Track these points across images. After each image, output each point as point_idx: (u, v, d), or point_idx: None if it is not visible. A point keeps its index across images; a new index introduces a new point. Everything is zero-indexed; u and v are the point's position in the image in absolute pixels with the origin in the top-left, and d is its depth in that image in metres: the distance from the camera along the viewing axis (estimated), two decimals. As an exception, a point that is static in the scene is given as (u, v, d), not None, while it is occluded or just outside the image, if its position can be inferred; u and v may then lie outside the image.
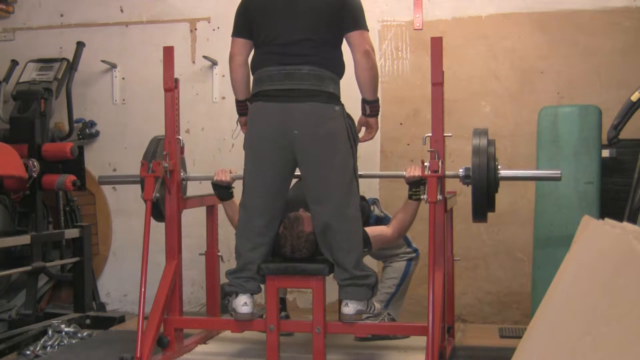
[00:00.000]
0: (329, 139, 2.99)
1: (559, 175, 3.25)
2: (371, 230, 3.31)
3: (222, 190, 3.43)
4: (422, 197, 3.14)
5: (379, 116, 3.24)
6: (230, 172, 3.40)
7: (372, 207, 3.57)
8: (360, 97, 3.15)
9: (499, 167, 3.18)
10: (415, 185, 3.22)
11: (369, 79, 3.04)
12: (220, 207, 3.78)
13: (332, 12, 2.99)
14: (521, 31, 4.45)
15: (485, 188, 3.10)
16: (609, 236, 1.45)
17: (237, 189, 3.45)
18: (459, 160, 4.11)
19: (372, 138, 3.26)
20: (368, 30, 3.05)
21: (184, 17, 4.91)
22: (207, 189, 4.01)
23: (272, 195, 3.07)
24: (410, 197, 3.26)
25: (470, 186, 3.14)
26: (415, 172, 3.19)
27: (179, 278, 3.35)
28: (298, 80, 2.97)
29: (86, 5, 5.05)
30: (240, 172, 3.28)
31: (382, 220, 3.51)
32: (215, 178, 3.41)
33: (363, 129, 3.24)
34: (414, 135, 4.41)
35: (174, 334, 3.26)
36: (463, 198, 4.22)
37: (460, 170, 3.19)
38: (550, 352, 1.45)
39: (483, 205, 3.15)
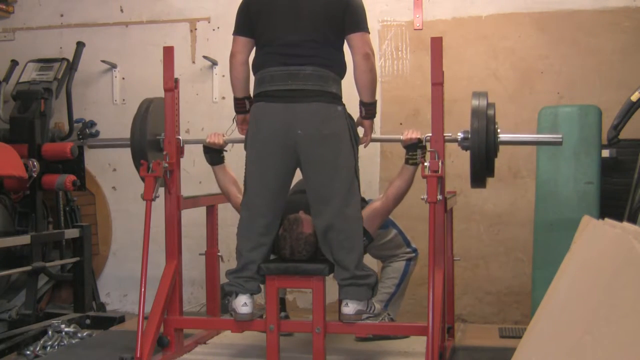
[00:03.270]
0: (332, 139, 2.99)
1: (560, 140, 3.22)
2: (363, 212, 3.28)
3: (214, 154, 3.42)
4: (418, 161, 3.14)
5: (379, 116, 3.24)
6: (223, 136, 3.40)
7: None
8: (360, 98, 3.14)
9: (499, 130, 3.16)
10: (412, 148, 3.22)
11: (368, 82, 3.05)
12: (220, 207, 3.78)
13: (335, 13, 2.99)
14: (521, 31, 4.44)
15: (484, 152, 3.06)
16: (609, 236, 1.45)
17: (228, 153, 3.49)
18: (458, 160, 4.11)
19: (367, 143, 3.24)
20: (369, 33, 3.05)
21: (184, 17, 4.91)
22: (207, 189, 4.02)
23: (274, 195, 3.07)
24: (406, 161, 3.25)
25: (468, 151, 3.11)
26: (412, 134, 3.19)
27: (179, 278, 3.35)
28: (302, 80, 2.97)
29: (86, 5, 5.05)
30: (233, 137, 3.32)
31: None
32: (207, 140, 3.40)
33: (362, 130, 3.24)
34: (414, 135, 4.40)
35: (174, 334, 3.26)
36: (463, 198, 4.23)
37: (459, 133, 3.17)
38: (550, 352, 1.45)
39: (482, 169, 3.11)
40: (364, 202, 3.42)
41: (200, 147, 3.49)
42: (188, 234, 3.76)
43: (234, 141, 3.40)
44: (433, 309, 2.85)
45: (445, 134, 3.11)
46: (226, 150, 3.47)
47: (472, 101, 3.13)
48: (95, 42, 4.94)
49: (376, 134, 3.32)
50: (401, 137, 3.26)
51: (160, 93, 3.38)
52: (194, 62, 4.88)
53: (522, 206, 4.35)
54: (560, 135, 3.23)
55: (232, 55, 3.15)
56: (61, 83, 4.65)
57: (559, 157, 3.67)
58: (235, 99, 3.22)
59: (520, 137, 3.54)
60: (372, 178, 4.54)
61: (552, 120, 3.71)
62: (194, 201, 3.59)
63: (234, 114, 3.32)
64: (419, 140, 3.22)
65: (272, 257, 3.20)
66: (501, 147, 3.22)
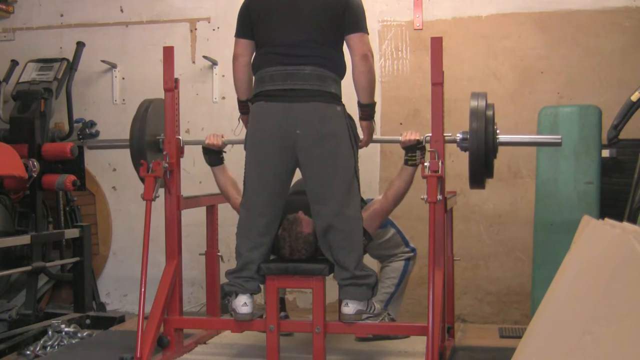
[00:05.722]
0: (331, 139, 2.99)
1: (559, 141, 3.22)
2: (363, 213, 3.27)
3: (213, 155, 3.43)
4: (418, 162, 3.14)
5: (379, 116, 3.24)
6: (222, 137, 3.40)
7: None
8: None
9: (498, 131, 3.15)
10: (411, 150, 3.22)
11: (366, 83, 3.05)
12: (220, 207, 3.78)
13: (335, 13, 2.99)
14: (521, 31, 4.44)
15: (483, 153, 3.06)
16: (609, 236, 1.45)
17: (228, 154, 3.49)
18: (459, 160, 4.10)
19: (367, 144, 3.25)
20: (368, 34, 3.05)
21: (184, 17, 4.91)
22: (207, 189, 4.02)
23: (273, 195, 3.07)
24: (406, 162, 3.26)
25: (467, 152, 3.10)
26: (411, 136, 3.19)
27: (179, 278, 3.35)
28: (300, 80, 2.97)
29: (86, 5, 5.05)
30: (232, 137, 3.34)
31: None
32: (206, 142, 3.40)
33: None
34: (414, 135, 4.40)
35: (174, 334, 3.26)
36: (463, 198, 4.23)
37: (458, 134, 3.18)
38: (550, 352, 1.45)
39: (481, 170, 3.10)
40: (363, 203, 3.42)
41: (200, 147, 3.49)
42: (188, 234, 3.76)
43: (233, 142, 3.40)
44: (433, 309, 2.85)
45: (444, 134, 3.11)
46: (225, 152, 3.47)
47: (470, 102, 3.13)
48: (95, 42, 4.94)
49: (376, 134, 3.31)
50: (400, 138, 3.26)
51: (160, 93, 3.38)
52: (194, 62, 4.88)
53: (522, 206, 4.35)
54: (559, 136, 3.23)
55: (235, 58, 3.16)
56: (61, 83, 4.65)
57: (559, 157, 3.67)
58: (239, 101, 3.23)
59: (520, 138, 3.55)
60: (372, 178, 4.54)
61: (552, 120, 3.71)
62: (194, 201, 3.59)
63: (235, 113, 3.33)
64: (418, 142, 3.22)
65: (271, 257, 3.21)
66: (501, 147, 3.22)
